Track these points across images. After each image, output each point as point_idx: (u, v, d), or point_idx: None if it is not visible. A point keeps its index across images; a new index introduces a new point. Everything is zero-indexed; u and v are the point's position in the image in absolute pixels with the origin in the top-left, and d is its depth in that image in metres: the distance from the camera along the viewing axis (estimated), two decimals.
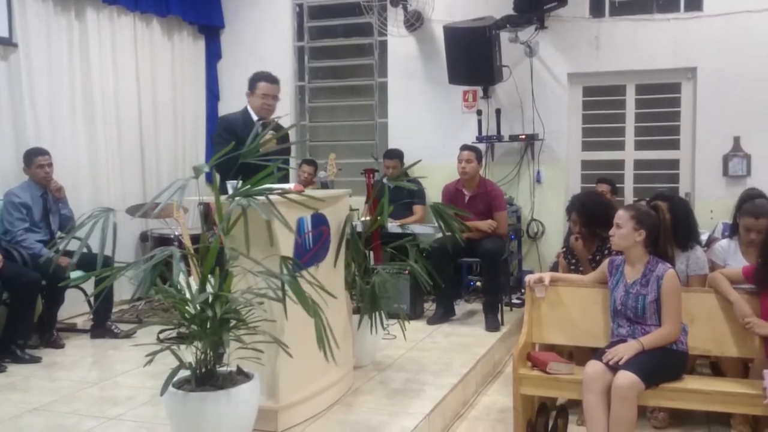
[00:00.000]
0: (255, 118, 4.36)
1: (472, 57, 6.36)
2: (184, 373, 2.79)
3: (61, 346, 4.88)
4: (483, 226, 5.45)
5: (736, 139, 6.21)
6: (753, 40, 6.09)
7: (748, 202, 4.19)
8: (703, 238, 4.69)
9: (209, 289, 2.78)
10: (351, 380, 3.84)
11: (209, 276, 2.80)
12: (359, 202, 5.14)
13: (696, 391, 3.28)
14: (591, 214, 4.10)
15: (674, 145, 6.61)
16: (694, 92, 6.39)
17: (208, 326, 2.74)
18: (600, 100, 6.78)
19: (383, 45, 7.29)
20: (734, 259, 3.94)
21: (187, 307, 2.77)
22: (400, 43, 7.10)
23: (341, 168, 5.44)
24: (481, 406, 4.17)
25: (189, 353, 2.81)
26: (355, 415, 3.44)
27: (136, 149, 6.59)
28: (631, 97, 6.67)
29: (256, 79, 4.46)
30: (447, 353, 4.58)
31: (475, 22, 6.40)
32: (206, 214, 3.47)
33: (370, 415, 3.42)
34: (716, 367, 4.07)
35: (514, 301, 5.97)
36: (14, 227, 4.91)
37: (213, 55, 7.58)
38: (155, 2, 6.70)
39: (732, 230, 4.23)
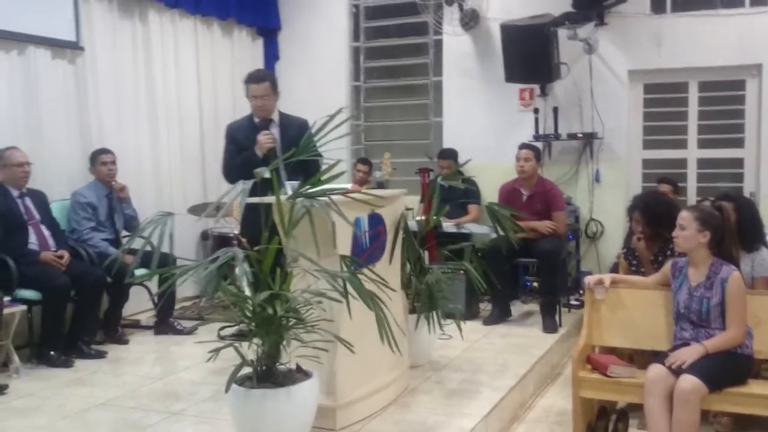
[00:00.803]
0: (257, 120, 4.41)
1: (530, 55, 6.30)
2: (245, 371, 2.85)
3: (126, 342, 5.04)
4: (540, 227, 5.40)
5: None
6: None
7: None
8: None
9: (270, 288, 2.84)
10: (407, 380, 3.85)
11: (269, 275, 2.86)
12: (414, 201, 5.15)
13: (761, 396, 3.18)
14: (654, 214, 4.01)
15: (738, 143, 6.40)
16: (759, 89, 6.18)
17: (269, 324, 2.79)
18: (661, 98, 6.62)
19: (438, 44, 7.28)
20: None
21: (247, 305, 2.83)
22: (455, 42, 7.07)
23: (396, 167, 5.46)
24: (539, 408, 4.13)
25: (250, 351, 2.87)
26: (411, 414, 3.45)
27: (197, 150, 6.74)
28: (693, 95, 6.48)
29: (245, 83, 4.46)
30: (503, 354, 4.56)
31: (533, 20, 6.33)
32: (266, 214, 3.53)
33: (426, 415, 3.43)
34: None
35: (572, 302, 5.89)
36: (81, 226, 5.09)
37: (271, 56, 7.70)
38: (216, 5, 6.84)
39: None
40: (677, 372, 3.12)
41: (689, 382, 3.05)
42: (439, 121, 7.34)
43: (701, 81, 6.44)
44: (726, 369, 3.19)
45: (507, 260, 5.36)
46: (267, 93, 4.39)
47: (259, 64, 7.57)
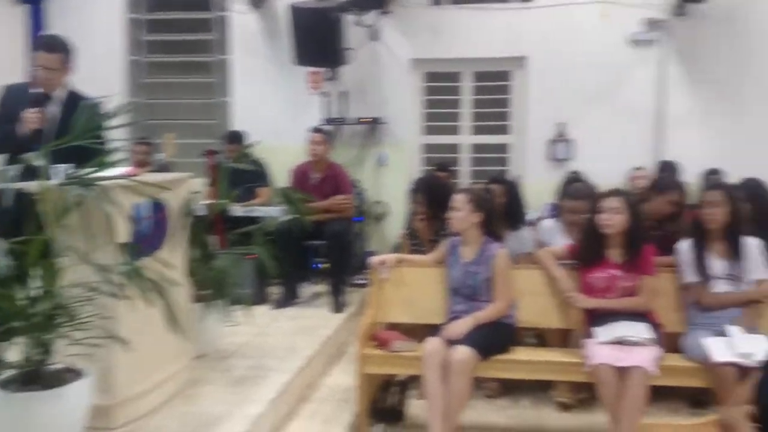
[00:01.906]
0: (32, 91, 3.82)
1: (318, 38, 6.35)
2: (8, 373, 2.58)
3: None
4: (336, 200, 5.47)
5: (561, 125, 6.68)
6: (578, 31, 6.57)
7: (569, 185, 4.54)
8: (531, 218, 5.02)
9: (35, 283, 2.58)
10: (192, 371, 3.73)
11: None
12: (201, 184, 4.97)
13: (524, 362, 3.53)
14: (435, 197, 4.25)
15: (505, 130, 7.00)
16: (524, 80, 6.79)
17: (33, 323, 2.54)
18: (440, 86, 7.02)
19: (225, 21, 7.07)
20: (558, 237, 4.24)
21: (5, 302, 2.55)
22: (242, 20, 6.93)
23: (180, 148, 5.23)
24: (326, 387, 4.21)
25: (16, 352, 2.60)
26: (196, 406, 3.35)
27: None
28: (467, 84, 6.96)
29: (33, 49, 3.99)
30: (292, 337, 4.57)
31: (321, 3, 6.37)
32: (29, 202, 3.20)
33: (213, 405, 3.35)
34: (541, 338, 4.38)
35: (358, 282, 6.07)
36: None
37: (35, 26, 6.97)
38: None
39: (556, 211, 4.55)
40: (452, 343, 3.35)
41: (462, 352, 3.29)
42: (226, 101, 7.15)
43: (474, 71, 6.93)
44: (494, 338, 3.49)
45: (297, 243, 5.38)
46: (56, 66, 3.81)
47: (18, 35, 6.80)
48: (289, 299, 5.43)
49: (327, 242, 5.54)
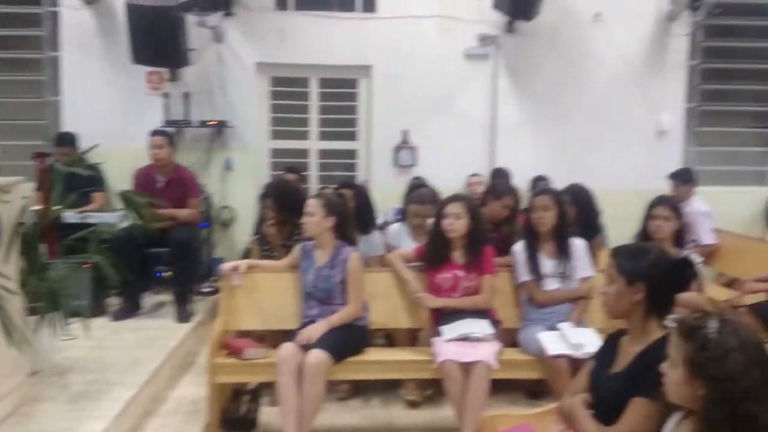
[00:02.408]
0: None
1: (157, 37, 6.09)
2: None
3: None
4: (182, 215, 5.28)
5: (405, 133, 6.91)
6: (419, 43, 6.83)
7: (414, 191, 4.72)
8: (379, 222, 5.15)
9: None
10: (28, 388, 3.45)
11: None
12: (30, 189, 4.60)
13: (375, 362, 3.62)
14: (286, 201, 4.24)
15: (353, 136, 7.13)
16: (370, 88, 6.95)
17: None
18: (287, 91, 7.01)
19: (55, 16, 6.60)
20: (405, 241, 4.39)
21: None
22: (75, 16, 6.50)
23: (6, 150, 4.81)
24: (173, 400, 4.06)
25: None
26: (35, 425, 3.10)
27: None
28: (314, 90, 7.01)
29: None
30: (135, 350, 4.36)
31: (159, 1, 6.13)
32: None
33: (52, 423, 3.12)
34: (390, 339, 4.50)
35: (205, 290, 5.91)
36: None
37: None
38: None
39: (402, 215, 4.71)
40: (306, 348, 3.36)
41: (316, 356, 3.31)
42: (57, 101, 6.67)
43: (321, 77, 6.99)
44: (347, 341, 3.54)
45: (137, 250, 5.13)
46: None
47: None
48: (130, 310, 5.16)
49: (171, 249, 5.33)
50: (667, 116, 6.98)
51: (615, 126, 6.95)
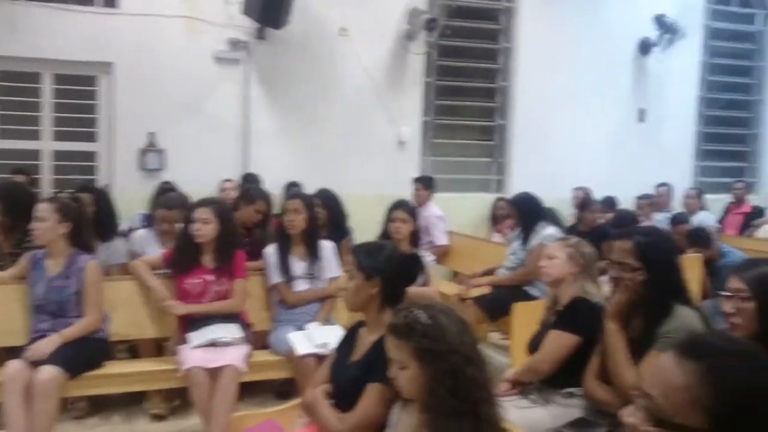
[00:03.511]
0: None
1: None
2: None
3: None
4: None
5: (152, 135, 6.62)
6: (166, 43, 6.58)
7: (162, 195, 4.56)
8: (123, 228, 4.88)
9: None
10: None
11: None
12: None
13: (116, 375, 3.44)
14: (15, 205, 3.82)
15: (92, 137, 6.66)
16: (111, 87, 6.55)
17: None
18: (15, 87, 6.35)
19: None
20: (152, 247, 4.22)
21: None
22: None
23: None
24: None
25: None
26: None
27: None
28: (48, 86, 6.43)
29: None
30: None
31: None
32: None
33: None
34: (134, 351, 4.28)
35: None
36: None
37: None
38: None
39: (148, 221, 4.52)
40: (37, 364, 3.08)
41: (47, 372, 3.06)
42: None
43: (56, 73, 6.44)
44: (84, 355, 3.32)
45: None
46: None
47: None
48: None
49: None
50: (407, 128, 7.51)
51: (362, 136, 7.32)
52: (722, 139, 8.87)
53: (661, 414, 1.07)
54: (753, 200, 8.14)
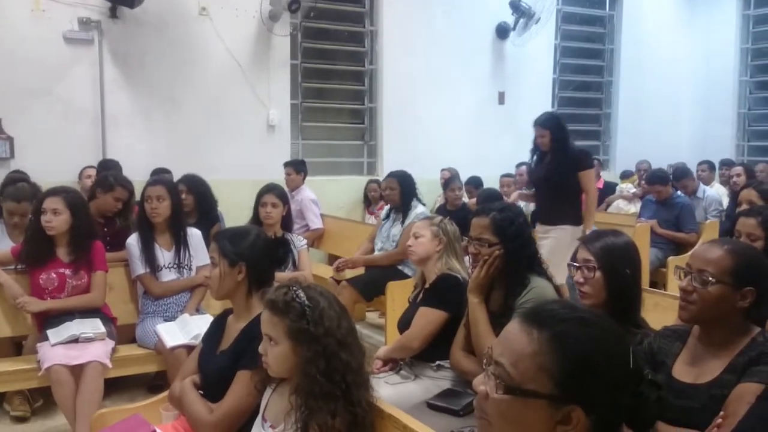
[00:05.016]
0: None
1: None
2: None
3: None
4: None
5: None
6: (9, 23, 6.08)
7: (11, 186, 4.25)
8: None
9: None
10: None
11: None
12: None
13: None
14: None
15: None
16: None
17: None
18: None
19: None
20: (2, 241, 3.95)
21: None
22: None
23: None
24: None
25: None
26: None
27: None
28: None
29: None
30: None
31: None
32: None
33: None
34: None
35: None
36: None
37: None
38: None
39: None
40: None
41: None
42: None
43: None
44: None
45: None
46: None
47: None
48: None
49: None
50: (275, 111, 7.39)
51: (229, 119, 7.11)
52: (576, 119, 9.41)
53: (510, 381, 1.12)
54: (605, 176, 8.72)
